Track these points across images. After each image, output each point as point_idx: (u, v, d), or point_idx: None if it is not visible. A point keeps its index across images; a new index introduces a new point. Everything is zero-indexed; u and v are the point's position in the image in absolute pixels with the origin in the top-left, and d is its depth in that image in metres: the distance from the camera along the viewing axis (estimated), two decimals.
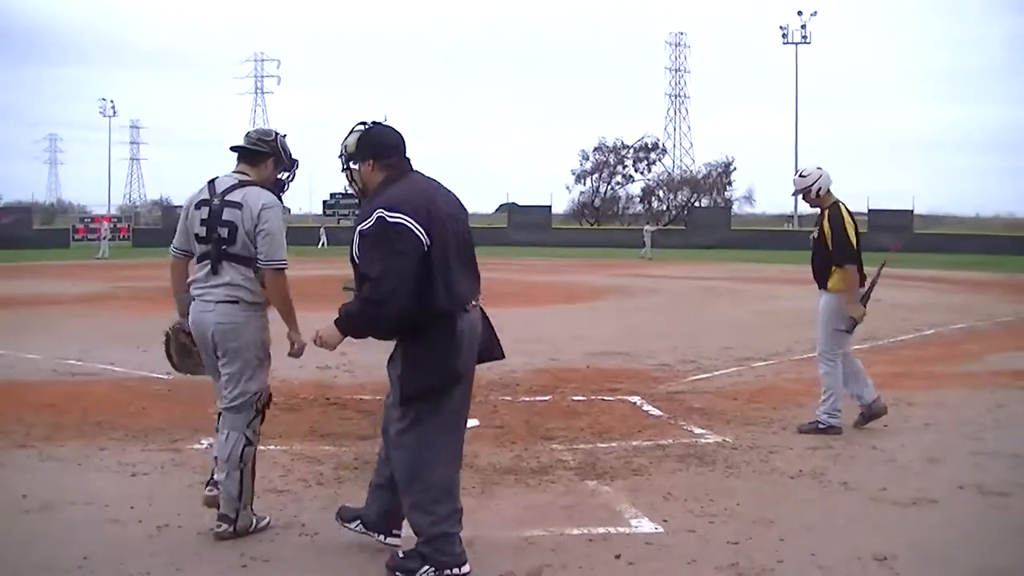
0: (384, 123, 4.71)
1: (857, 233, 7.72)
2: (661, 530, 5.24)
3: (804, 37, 74.57)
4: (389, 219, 4.31)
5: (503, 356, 4.87)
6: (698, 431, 7.72)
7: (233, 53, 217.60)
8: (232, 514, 5.03)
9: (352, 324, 4.57)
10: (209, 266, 5.11)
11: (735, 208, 79.49)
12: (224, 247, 5.07)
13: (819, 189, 7.78)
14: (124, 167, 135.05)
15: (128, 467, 6.41)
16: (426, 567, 4.44)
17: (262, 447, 6.92)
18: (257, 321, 5.21)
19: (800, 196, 7.95)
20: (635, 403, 8.90)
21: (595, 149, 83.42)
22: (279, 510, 5.52)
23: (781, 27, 75.17)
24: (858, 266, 7.74)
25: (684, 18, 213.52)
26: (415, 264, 4.31)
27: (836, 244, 7.66)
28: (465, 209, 4.68)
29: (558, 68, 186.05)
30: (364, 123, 4.70)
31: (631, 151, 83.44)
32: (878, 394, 7.98)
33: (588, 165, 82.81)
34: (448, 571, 4.43)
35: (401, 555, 4.59)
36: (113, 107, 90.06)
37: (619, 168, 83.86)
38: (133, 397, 8.87)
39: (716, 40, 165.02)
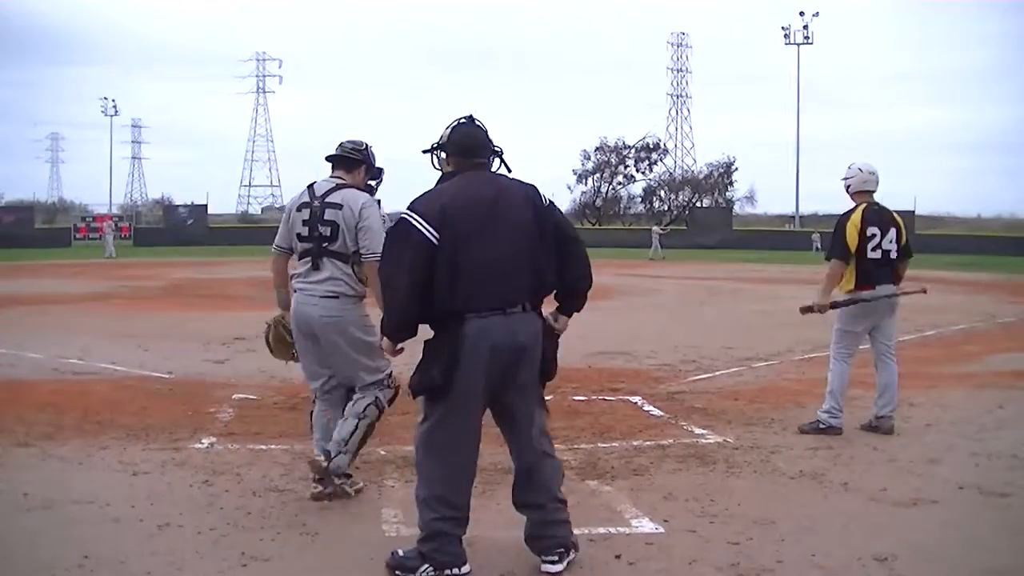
0: (473, 122, 4.74)
1: (864, 236, 7.63)
2: (662, 530, 5.23)
3: (806, 38, 74.51)
4: (403, 217, 4.46)
5: (544, 376, 4.69)
6: (699, 431, 7.72)
7: (235, 52, 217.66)
8: (333, 451, 5.52)
9: (383, 325, 4.64)
10: (311, 262, 5.61)
11: (736, 208, 79.41)
12: (325, 244, 5.57)
13: (848, 188, 7.87)
14: (126, 166, 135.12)
15: (129, 466, 6.41)
16: (426, 566, 4.45)
17: (262, 446, 6.96)
18: (356, 311, 5.67)
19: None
20: (636, 403, 8.89)
21: (596, 149, 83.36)
22: (280, 509, 5.52)
23: (783, 28, 75.14)
24: (858, 268, 7.67)
25: (686, 19, 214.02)
26: (418, 262, 4.35)
27: (831, 240, 7.71)
28: (528, 203, 4.58)
29: (560, 68, 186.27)
30: (463, 118, 4.75)
31: (633, 151, 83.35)
32: (889, 412, 7.80)
33: (590, 165, 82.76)
34: (448, 571, 4.44)
35: (401, 553, 4.59)
36: (115, 106, 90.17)
37: (621, 168, 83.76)
38: (134, 396, 8.88)
39: (718, 41, 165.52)
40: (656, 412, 8.49)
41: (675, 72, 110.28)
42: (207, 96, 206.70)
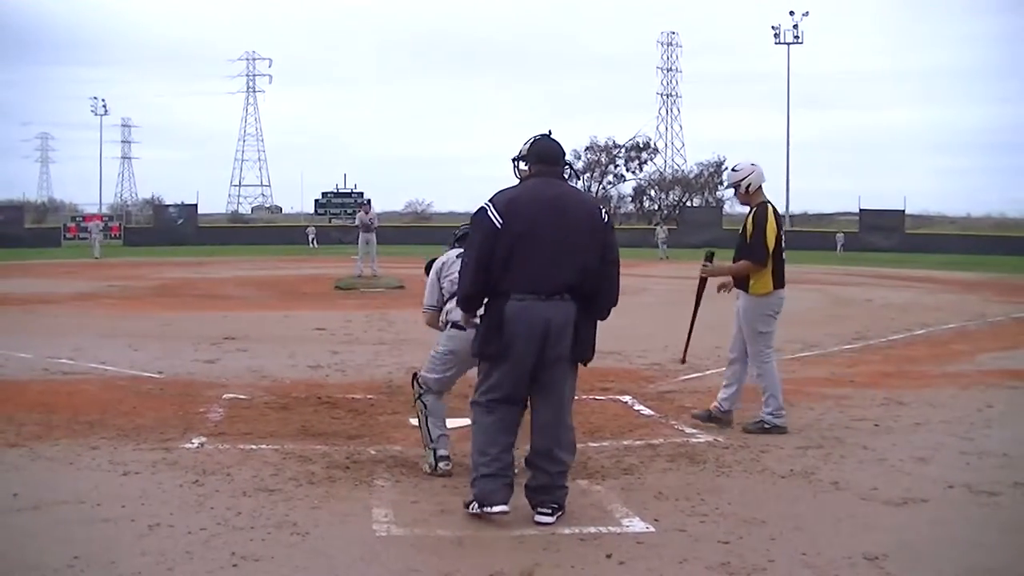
0: (549, 137, 5.62)
1: (779, 238, 7.64)
2: (652, 529, 5.24)
3: (796, 37, 74.67)
4: (482, 206, 5.37)
5: (574, 358, 5.44)
6: (689, 430, 7.73)
7: (225, 52, 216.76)
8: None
9: (458, 298, 5.69)
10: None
11: (727, 207, 79.47)
12: None
13: (749, 186, 7.70)
14: (116, 166, 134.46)
15: (119, 466, 6.39)
16: (473, 501, 5.37)
17: (252, 446, 6.95)
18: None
19: (733, 192, 7.86)
20: (626, 402, 8.90)
21: (587, 148, 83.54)
22: (270, 509, 5.51)
23: (773, 27, 75.28)
24: (774, 270, 7.65)
25: (676, 18, 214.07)
26: (485, 243, 5.28)
27: (753, 242, 7.59)
28: (586, 214, 5.40)
29: (549, 67, 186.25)
30: (542, 134, 5.63)
31: (623, 150, 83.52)
32: (732, 409, 7.83)
33: (580, 164, 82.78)
34: (488, 508, 5.29)
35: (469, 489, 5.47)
36: (104, 106, 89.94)
37: (611, 167, 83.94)
38: (125, 396, 8.85)
39: (708, 40, 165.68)
40: (646, 411, 8.50)
41: (665, 71, 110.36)
42: (197, 96, 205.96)
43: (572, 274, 5.30)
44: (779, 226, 7.68)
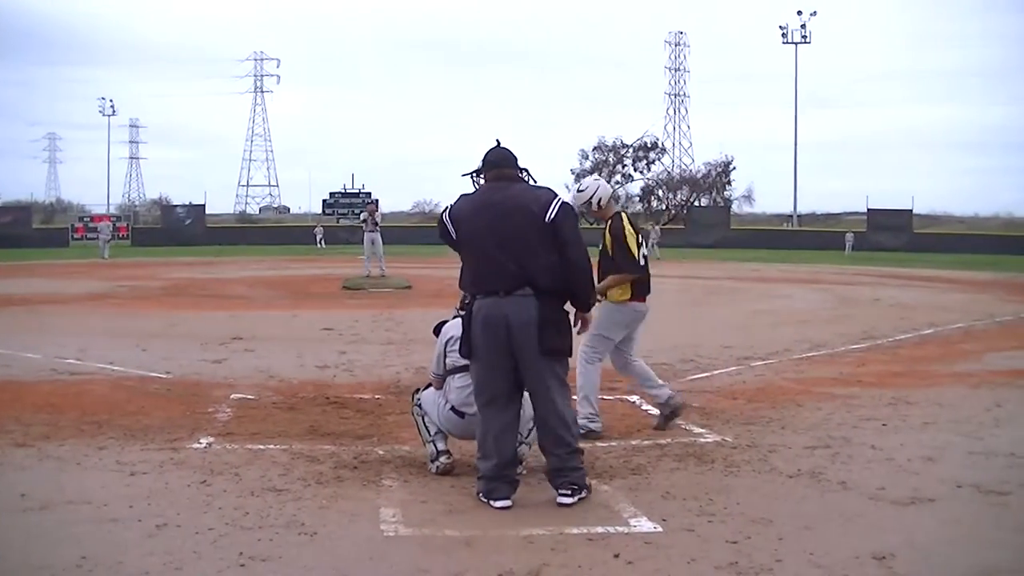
0: (499, 145, 5.95)
1: (639, 243, 7.57)
2: (660, 529, 5.23)
3: (804, 37, 74.71)
4: (441, 215, 5.93)
5: (542, 351, 5.63)
6: (697, 430, 7.72)
7: (233, 52, 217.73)
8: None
9: None
10: None
11: (734, 207, 79.49)
12: None
13: (599, 200, 7.54)
14: (123, 166, 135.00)
15: (127, 466, 6.40)
16: (480, 493, 5.69)
17: (260, 446, 6.96)
18: None
19: (584, 211, 7.60)
20: (634, 402, 8.89)
21: (594, 148, 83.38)
22: (278, 509, 5.51)
23: (781, 27, 75.45)
24: (636, 282, 7.51)
25: (683, 18, 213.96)
26: (454, 249, 5.85)
27: (619, 257, 7.45)
28: (526, 212, 5.64)
29: (557, 67, 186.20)
30: (494, 145, 5.96)
31: (631, 150, 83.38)
32: (674, 391, 7.89)
33: (588, 164, 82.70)
34: (493, 501, 5.60)
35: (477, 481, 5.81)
36: (112, 106, 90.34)
37: (619, 167, 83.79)
38: (132, 396, 8.86)
39: (716, 40, 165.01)
40: (654, 411, 8.47)
41: (673, 71, 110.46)
42: (205, 96, 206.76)
43: (521, 271, 5.60)
44: (637, 232, 7.59)
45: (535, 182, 5.96)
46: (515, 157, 5.94)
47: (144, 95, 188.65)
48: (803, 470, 6.48)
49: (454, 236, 5.79)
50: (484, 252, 5.67)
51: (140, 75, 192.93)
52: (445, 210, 5.93)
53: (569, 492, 5.66)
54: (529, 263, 5.60)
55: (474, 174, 5.99)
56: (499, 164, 5.87)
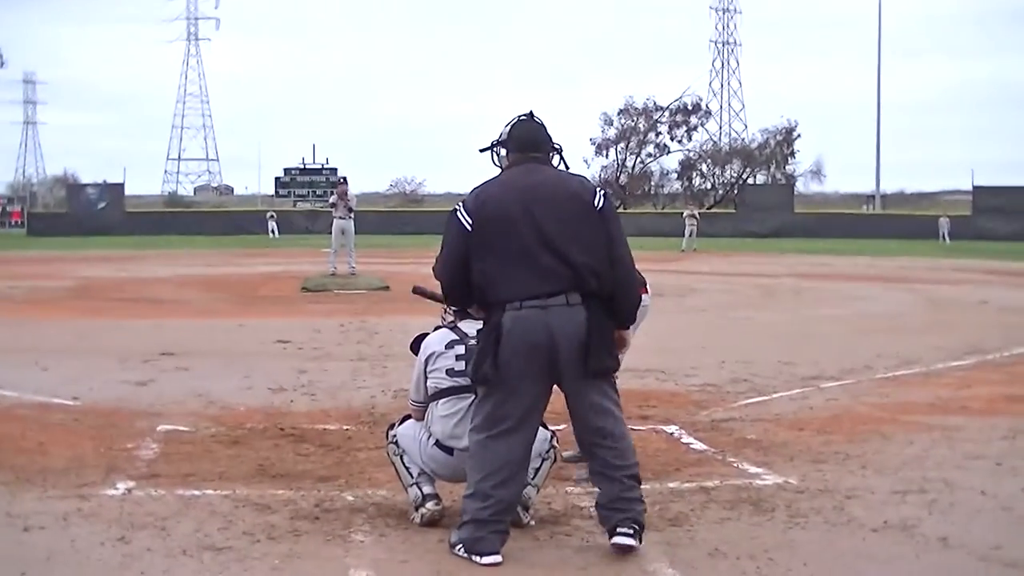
0: (531, 118, 6.03)
1: None
2: None
3: None
4: (455, 207, 5.88)
5: (593, 371, 5.70)
6: (753, 470, 7.72)
7: None
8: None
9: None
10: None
11: (799, 186, 79.75)
12: None
13: None
14: (16, 133, 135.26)
15: (19, 520, 6.36)
16: (460, 545, 5.69)
17: (195, 492, 6.94)
18: None
19: None
20: (672, 434, 8.88)
21: (620, 112, 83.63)
22: (217, 573, 5.50)
23: None
24: None
25: None
26: (454, 244, 5.80)
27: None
28: (574, 199, 5.77)
29: (572, 10, 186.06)
30: (523, 115, 6.04)
31: (667, 114, 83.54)
32: None
33: (612, 132, 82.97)
34: (477, 557, 5.60)
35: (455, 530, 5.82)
36: (1, 57, 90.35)
37: (651, 136, 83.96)
38: (27, 429, 8.84)
39: None
40: (698, 445, 8.47)
41: (720, 13, 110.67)
42: (123, 44, 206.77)
43: (568, 270, 5.66)
44: None
45: (568, 166, 6.09)
46: (548, 134, 6.03)
47: (42, 41, 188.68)
48: (891, 522, 6.46)
49: (470, 228, 5.74)
50: (521, 249, 5.66)
51: (37, 15, 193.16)
52: (460, 203, 5.92)
53: (630, 531, 5.67)
54: (579, 263, 5.66)
55: (495, 151, 6.06)
56: (531, 144, 5.96)
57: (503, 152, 6.02)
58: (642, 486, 5.86)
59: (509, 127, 6.01)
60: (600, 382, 5.78)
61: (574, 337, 5.62)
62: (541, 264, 5.63)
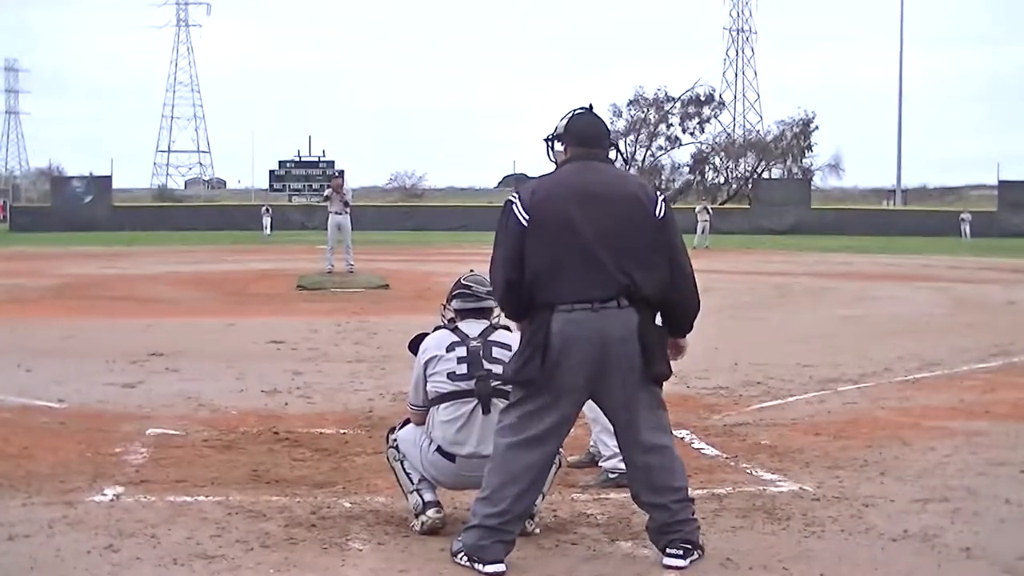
0: (591, 112, 5.98)
1: None
2: None
3: None
4: (508, 198, 5.84)
5: (649, 377, 5.80)
6: (767, 476, 7.72)
7: None
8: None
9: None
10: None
11: (816, 180, 79.62)
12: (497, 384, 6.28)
13: None
14: None
15: (2, 528, 6.36)
16: (462, 553, 5.71)
17: (186, 498, 6.95)
18: None
19: None
20: (683, 439, 8.87)
21: (630, 103, 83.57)
22: None
23: None
24: None
25: None
26: (510, 241, 5.70)
27: None
28: (634, 203, 5.73)
29: None
30: (581, 109, 5.99)
31: (678, 105, 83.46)
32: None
33: (621, 124, 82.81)
34: (480, 565, 5.61)
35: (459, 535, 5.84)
36: None
37: (662, 128, 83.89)
38: (11, 433, 8.85)
39: None
40: (709, 451, 8.48)
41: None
42: (110, 30, 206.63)
43: (623, 276, 5.64)
44: None
45: (624, 165, 6.05)
46: (608, 129, 6.04)
47: (27, 27, 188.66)
48: (911, 531, 6.46)
49: (526, 224, 5.67)
50: (575, 249, 5.63)
51: (22, 3, 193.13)
52: (515, 194, 5.86)
53: (681, 552, 5.69)
54: (636, 267, 5.67)
55: (552, 141, 6.00)
56: (591, 139, 5.91)
57: (559, 146, 5.97)
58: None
59: (566, 120, 5.94)
60: (651, 393, 5.83)
61: (627, 342, 5.65)
62: (594, 266, 5.62)
